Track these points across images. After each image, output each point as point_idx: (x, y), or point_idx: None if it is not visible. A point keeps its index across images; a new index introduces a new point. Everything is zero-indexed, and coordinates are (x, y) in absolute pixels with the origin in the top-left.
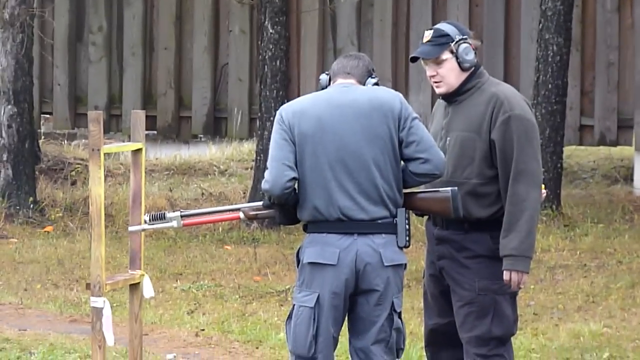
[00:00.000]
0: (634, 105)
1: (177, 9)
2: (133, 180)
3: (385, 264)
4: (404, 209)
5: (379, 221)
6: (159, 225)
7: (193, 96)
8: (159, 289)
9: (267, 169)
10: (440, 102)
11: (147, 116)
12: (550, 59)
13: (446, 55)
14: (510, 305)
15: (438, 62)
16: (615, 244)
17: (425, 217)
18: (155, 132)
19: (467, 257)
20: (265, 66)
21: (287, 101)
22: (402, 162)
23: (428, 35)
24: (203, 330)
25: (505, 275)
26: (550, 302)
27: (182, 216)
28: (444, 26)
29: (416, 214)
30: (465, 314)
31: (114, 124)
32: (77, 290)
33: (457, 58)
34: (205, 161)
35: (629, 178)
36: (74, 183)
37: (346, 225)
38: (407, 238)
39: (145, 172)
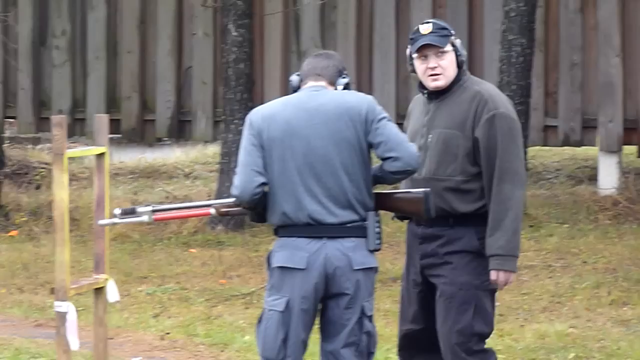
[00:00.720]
0: (598, 106)
1: (140, 12)
2: (97, 184)
3: (355, 267)
4: (373, 212)
5: (348, 225)
6: (130, 220)
7: (157, 99)
8: (124, 292)
9: (235, 174)
10: (417, 100)
11: (111, 120)
12: (513, 60)
13: (449, 47)
14: (490, 302)
15: (441, 53)
16: (580, 244)
17: (407, 220)
18: (119, 135)
19: (450, 253)
20: (229, 69)
21: (251, 104)
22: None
23: (428, 27)
24: (168, 333)
25: (493, 275)
26: (516, 302)
27: (153, 211)
28: (440, 21)
29: (397, 217)
30: (447, 308)
31: (78, 128)
32: (42, 295)
33: (456, 52)
34: (169, 164)
35: (593, 178)
36: (38, 187)
37: (315, 229)
38: (378, 241)
39: (110, 176)
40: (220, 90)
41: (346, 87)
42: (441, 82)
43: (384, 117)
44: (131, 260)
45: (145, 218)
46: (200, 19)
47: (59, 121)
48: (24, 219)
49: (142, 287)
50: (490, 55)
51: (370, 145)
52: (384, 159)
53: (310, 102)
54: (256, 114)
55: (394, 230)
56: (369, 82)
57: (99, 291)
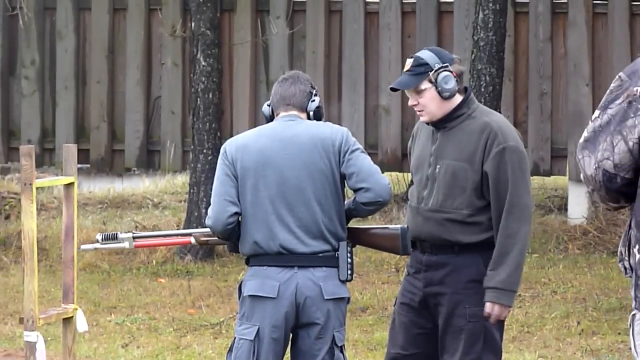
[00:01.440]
0: (567, 135)
1: (109, 42)
2: (65, 214)
3: (326, 297)
4: (345, 242)
5: (320, 254)
6: (111, 245)
7: (126, 129)
8: (92, 322)
9: (209, 206)
10: (423, 126)
11: (80, 149)
12: (483, 89)
13: (425, 85)
14: (498, 331)
15: (418, 91)
16: (550, 274)
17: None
18: (88, 165)
19: (458, 283)
20: (198, 99)
21: (220, 133)
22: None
23: (408, 63)
24: None
25: (488, 308)
26: None
27: (134, 237)
28: (424, 54)
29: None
30: (455, 340)
31: (47, 158)
32: (12, 325)
33: (436, 87)
34: (138, 194)
35: (562, 208)
36: (7, 217)
37: (286, 259)
38: (349, 272)
39: (79, 206)
40: (189, 120)
41: (317, 109)
42: (425, 118)
43: (357, 149)
44: (100, 290)
45: (126, 244)
46: (169, 49)
47: (27, 151)
48: None
49: (111, 317)
50: None
51: (343, 177)
52: (355, 190)
53: (285, 132)
54: (230, 144)
55: (362, 260)
56: (338, 112)
57: (68, 321)
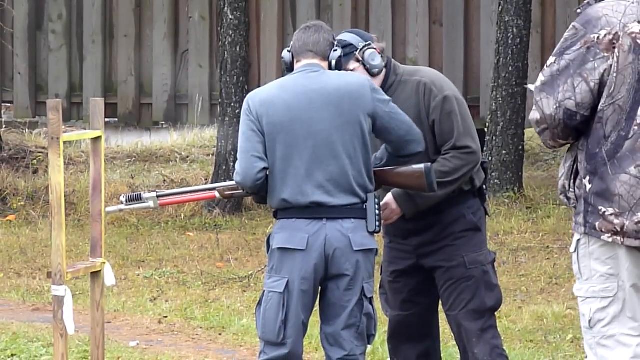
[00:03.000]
0: None
1: None
2: (93, 168)
3: (355, 248)
4: (373, 194)
5: (348, 207)
6: (136, 206)
7: (153, 83)
8: (121, 276)
9: (237, 160)
10: None
11: (108, 104)
12: (510, 42)
13: (353, 64)
14: (494, 273)
15: (348, 71)
16: None
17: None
18: (116, 119)
19: (450, 235)
20: (225, 52)
21: (248, 87)
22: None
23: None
24: (166, 317)
25: (388, 199)
26: (513, 284)
27: (158, 196)
28: (345, 36)
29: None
30: (459, 290)
31: (75, 112)
32: (40, 279)
33: (364, 65)
34: (166, 148)
35: None
36: (35, 172)
37: (315, 211)
38: (378, 223)
39: (107, 160)
40: (217, 73)
41: (339, 59)
42: None
43: (389, 100)
44: (128, 244)
45: (151, 204)
46: (196, 2)
47: (54, 105)
48: (21, 203)
49: (140, 270)
50: (487, 37)
51: (378, 129)
52: (398, 143)
53: (310, 84)
54: (254, 99)
55: None
56: None
57: (96, 275)
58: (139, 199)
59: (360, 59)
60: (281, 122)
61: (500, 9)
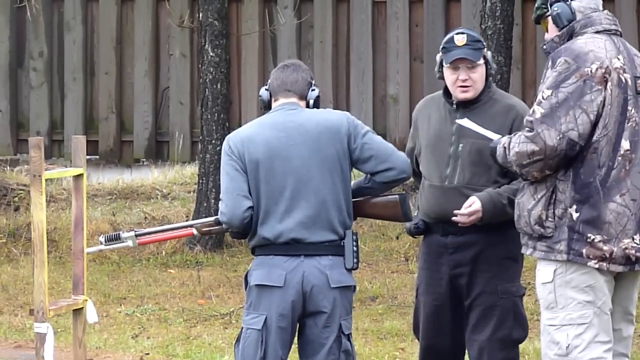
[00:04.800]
0: None
1: (117, 33)
2: (75, 205)
3: (332, 285)
4: (351, 231)
5: (326, 243)
6: (115, 246)
7: (134, 120)
8: (103, 313)
9: (220, 200)
10: (429, 105)
11: (89, 141)
12: (490, 78)
13: (481, 60)
14: (522, 306)
15: (473, 66)
16: None
17: (421, 234)
18: (97, 156)
19: (488, 261)
20: (206, 89)
21: (229, 124)
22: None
23: (462, 38)
24: (148, 354)
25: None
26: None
27: (136, 235)
28: (473, 32)
29: (412, 232)
30: (486, 317)
31: (56, 149)
32: (22, 316)
33: (487, 65)
34: (147, 185)
35: None
36: (17, 209)
37: (293, 248)
38: (355, 260)
39: (88, 197)
40: (198, 110)
41: (317, 99)
42: (470, 94)
43: (367, 131)
44: (110, 281)
45: (130, 243)
46: (177, 40)
47: (36, 143)
48: (2, 240)
49: (121, 307)
50: None
51: (355, 162)
52: (375, 173)
53: (289, 122)
54: (234, 139)
55: (372, 249)
56: (346, 101)
57: (78, 312)
58: (117, 238)
59: (486, 57)
60: (261, 160)
61: None
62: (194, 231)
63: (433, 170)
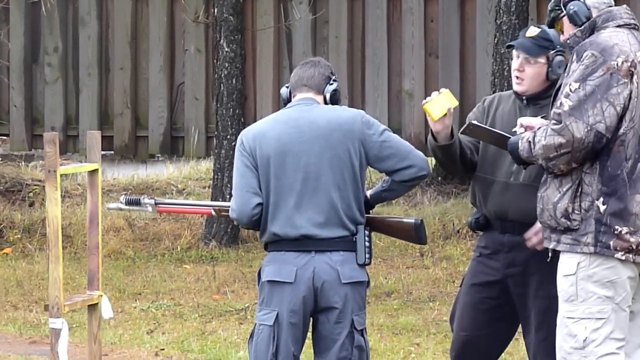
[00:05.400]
0: None
1: (132, 28)
2: (90, 200)
3: (343, 281)
4: (363, 226)
5: (337, 239)
6: (134, 208)
7: (150, 115)
8: (118, 309)
9: (231, 195)
10: (502, 98)
11: (104, 136)
12: (506, 73)
13: (542, 59)
14: None
15: (531, 61)
16: None
17: (481, 228)
18: (112, 152)
19: (544, 262)
20: (222, 85)
21: (244, 119)
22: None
23: (534, 32)
24: (163, 349)
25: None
26: None
27: (156, 203)
28: (551, 31)
29: (474, 227)
30: (540, 321)
31: (71, 145)
32: (37, 312)
33: (549, 67)
34: (163, 180)
35: None
36: (32, 204)
37: (304, 244)
38: (368, 255)
39: (103, 192)
40: (213, 106)
41: (334, 93)
42: (521, 88)
43: (384, 129)
44: (125, 277)
45: (149, 209)
46: (192, 35)
47: (51, 138)
48: (17, 236)
49: (136, 303)
50: (483, 69)
51: (373, 161)
52: (395, 171)
53: (301, 117)
54: (247, 134)
55: (387, 245)
56: (361, 97)
57: (93, 308)
58: (138, 202)
59: (550, 59)
60: (272, 155)
61: (495, 41)
62: (212, 211)
63: (500, 165)
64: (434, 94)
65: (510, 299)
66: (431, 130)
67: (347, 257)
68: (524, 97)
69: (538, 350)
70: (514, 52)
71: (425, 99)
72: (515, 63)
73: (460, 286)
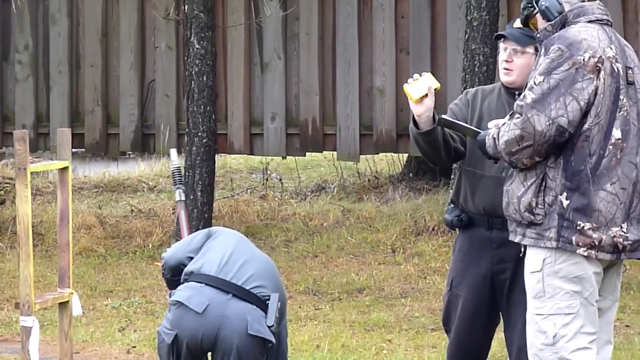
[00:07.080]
0: None
1: (102, 26)
2: (60, 198)
3: (250, 332)
4: (277, 295)
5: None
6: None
7: (120, 113)
8: (89, 306)
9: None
10: (488, 91)
11: (74, 134)
12: (476, 69)
13: (530, 49)
14: None
15: (521, 52)
16: None
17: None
18: (83, 149)
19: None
20: (192, 82)
21: (215, 116)
22: None
23: (520, 22)
24: (134, 347)
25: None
26: None
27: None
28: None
29: (452, 225)
30: (522, 316)
31: (42, 143)
32: (8, 310)
33: (537, 57)
34: (134, 178)
35: None
36: (2, 202)
37: (224, 284)
38: (275, 322)
39: (74, 190)
40: (184, 103)
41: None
42: (509, 78)
43: None
44: (96, 274)
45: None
46: (162, 32)
47: (21, 136)
48: None
49: (108, 301)
50: (454, 65)
51: None
52: None
53: None
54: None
55: (358, 241)
56: (332, 93)
57: (64, 305)
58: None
59: (538, 50)
60: None
61: (466, 37)
62: None
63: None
64: (415, 75)
65: (494, 296)
66: (412, 117)
67: (260, 312)
68: (515, 93)
69: (523, 347)
70: (501, 44)
71: (396, 95)
72: (503, 54)
73: (450, 289)
